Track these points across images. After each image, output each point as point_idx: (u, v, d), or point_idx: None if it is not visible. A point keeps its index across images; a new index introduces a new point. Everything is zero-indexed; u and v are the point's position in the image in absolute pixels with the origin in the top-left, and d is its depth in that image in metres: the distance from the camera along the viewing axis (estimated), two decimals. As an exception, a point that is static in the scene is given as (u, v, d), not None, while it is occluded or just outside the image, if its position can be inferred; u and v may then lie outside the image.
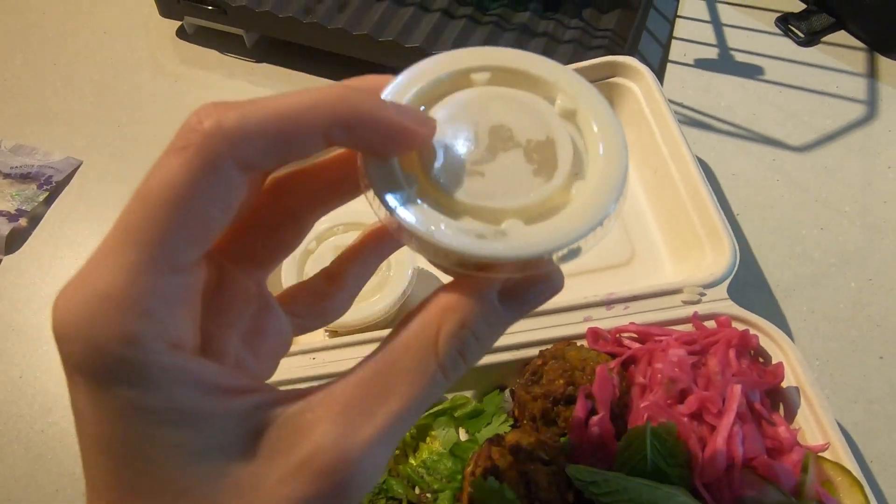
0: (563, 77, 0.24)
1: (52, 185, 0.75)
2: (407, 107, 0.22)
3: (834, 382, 0.56)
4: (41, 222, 0.73)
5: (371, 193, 0.22)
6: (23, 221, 0.72)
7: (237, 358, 0.24)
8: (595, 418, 0.44)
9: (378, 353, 0.21)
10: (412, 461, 0.49)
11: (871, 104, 0.75)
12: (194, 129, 0.19)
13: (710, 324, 0.51)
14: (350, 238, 0.43)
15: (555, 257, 0.22)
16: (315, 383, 0.49)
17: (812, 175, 0.70)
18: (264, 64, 0.86)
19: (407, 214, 0.21)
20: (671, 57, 0.81)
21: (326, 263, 0.29)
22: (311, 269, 0.58)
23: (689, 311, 0.51)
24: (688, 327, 0.51)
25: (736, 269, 0.52)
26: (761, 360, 0.50)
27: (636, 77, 0.65)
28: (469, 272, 0.21)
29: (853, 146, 0.71)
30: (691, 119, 0.75)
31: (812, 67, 0.79)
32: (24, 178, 0.76)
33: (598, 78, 0.67)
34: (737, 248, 0.53)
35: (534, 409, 0.47)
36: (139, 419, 0.19)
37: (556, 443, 0.45)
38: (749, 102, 0.76)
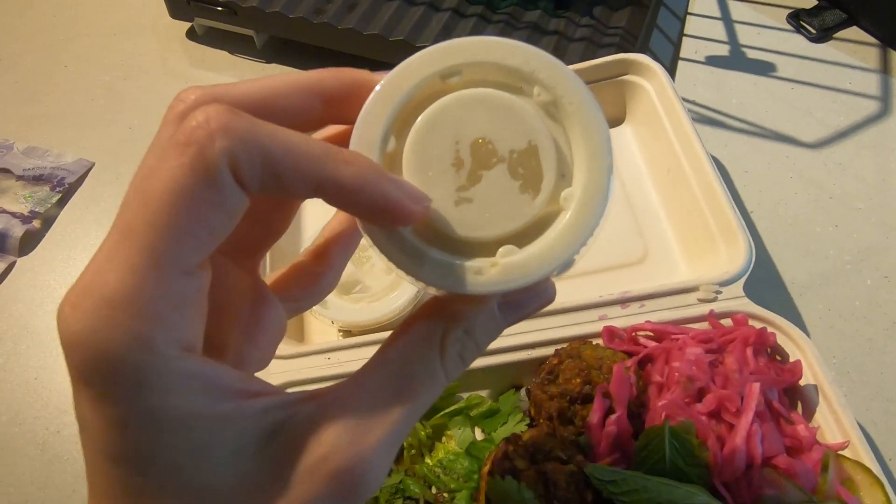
0: (540, 65, 0.23)
1: (65, 187, 0.75)
2: (408, 183, 0.22)
3: (850, 381, 0.56)
4: (54, 224, 0.74)
5: (368, 239, 0.22)
6: (36, 223, 0.72)
7: (238, 352, 0.24)
8: (612, 417, 0.44)
9: (385, 357, 0.22)
10: (428, 461, 0.48)
11: (885, 100, 0.74)
12: (200, 127, 0.18)
13: (726, 322, 0.51)
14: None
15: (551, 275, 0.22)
16: (330, 383, 0.49)
17: (825, 172, 0.69)
18: (274, 64, 0.86)
19: (403, 260, 0.22)
20: (682, 54, 0.81)
21: None
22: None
23: (704, 309, 0.51)
24: (703, 326, 0.51)
25: (752, 266, 0.52)
26: (778, 358, 0.49)
27: (649, 75, 0.65)
28: (468, 299, 0.23)
29: (867, 143, 0.71)
30: (703, 117, 0.75)
31: (824, 64, 0.79)
32: (37, 179, 0.76)
33: (610, 76, 0.66)
34: (752, 245, 0.53)
35: (550, 409, 0.47)
36: (152, 425, 0.18)
37: (574, 442, 0.45)
38: (761, 99, 0.76)
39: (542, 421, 0.48)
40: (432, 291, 0.23)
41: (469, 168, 0.23)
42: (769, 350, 0.49)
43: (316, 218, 0.65)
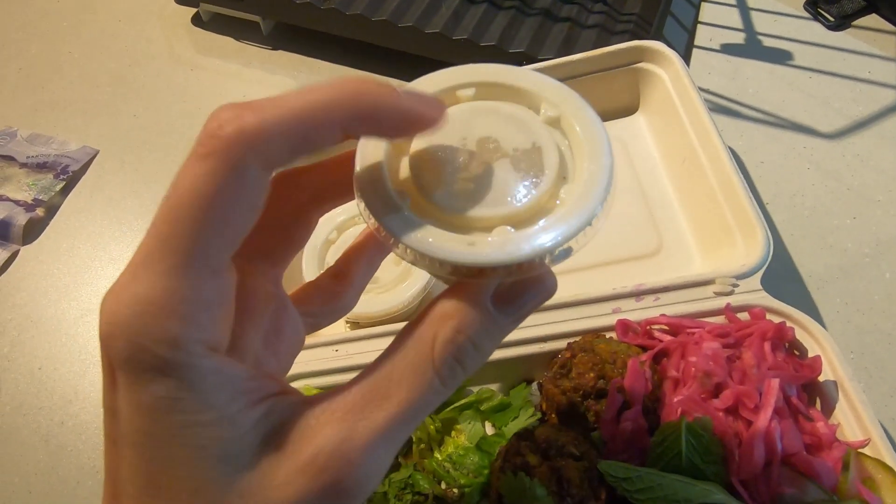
0: (546, 86, 0.25)
1: (69, 175, 0.74)
2: (418, 93, 0.23)
3: (869, 376, 0.55)
4: (58, 212, 0.73)
5: (365, 210, 0.23)
6: (40, 211, 0.72)
7: (257, 357, 0.25)
8: (627, 413, 0.43)
9: (379, 362, 0.22)
10: (437, 455, 0.48)
11: (905, 90, 0.73)
12: (216, 136, 0.19)
13: (743, 316, 0.49)
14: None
15: (546, 260, 0.22)
16: (338, 375, 0.49)
17: (843, 163, 0.68)
18: (281, 51, 0.84)
19: (399, 229, 0.22)
20: (697, 42, 0.79)
21: None
22: (333, 259, 0.57)
23: (721, 302, 0.50)
24: (720, 319, 0.50)
25: (769, 259, 0.51)
26: (797, 353, 0.48)
27: (664, 62, 0.64)
28: (464, 279, 0.22)
29: (886, 133, 0.69)
30: (718, 106, 0.73)
31: (843, 52, 0.77)
32: (41, 167, 0.75)
33: (624, 63, 0.65)
34: (770, 237, 0.51)
35: (563, 403, 0.46)
36: (172, 418, 0.20)
37: (587, 438, 0.44)
38: (778, 88, 0.74)
39: (553, 416, 0.47)
40: (424, 267, 0.23)
41: (473, 158, 0.24)
42: (787, 345, 0.48)
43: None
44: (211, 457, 0.20)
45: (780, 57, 0.78)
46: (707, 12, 0.83)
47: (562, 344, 0.50)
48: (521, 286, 0.23)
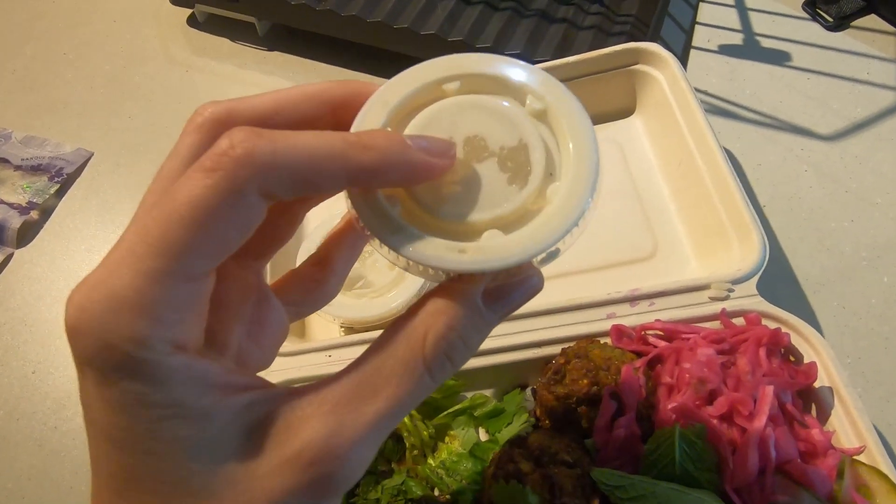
0: (532, 78, 0.25)
1: (64, 177, 0.74)
2: (430, 141, 0.23)
3: (866, 381, 0.54)
4: (52, 215, 0.73)
5: (356, 217, 0.23)
6: (34, 214, 0.71)
7: (240, 349, 0.25)
8: (621, 420, 0.43)
9: (368, 356, 0.23)
10: (431, 461, 0.47)
11: (904, 91, 0.72)
12: (226, 154, 0.19)
13: (739, 321, 0.49)
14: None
15: (534, 261, 0.23)
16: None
17: (842, 165, 0.67)
18: (276, 52, 0.84)
19: (390, 237, 0.22)
20: (694, 43, 0.79)
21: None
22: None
23: (716, 307, 0.49)
24: (715, 324, 0.49)
25: (765, 264, 0.50)
26: (792, 358, 0.48)
27: (660, 64, 0.63)
28: (454, 282, 0.23)
29: (885, 135, 0.69)
30: (715, 107, 0.73)
31: (841, 53, 0.76)
32: (35, 169, 0.75)
33: (621, 65, 0.64)
34: (766, 242, 0.51)
35: (556, 410, 0.46)
36: (143, 413, 0.20)
37: (580, 445, 0.44)
38: (776, 90, 0.74)
39: (547, 422, 0.47)
40: (416, 273, 0.23)
41: (461, 159, 0.24)
42: (782, 351, 0.48)
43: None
44: (189, 449, 0.20)
45: (779, 58, 0.77)
46: (705, 13, 0.82)
47: (556, 349, 0.49)
48: (509, 285, 0.24)
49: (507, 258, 0.22)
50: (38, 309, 0.67)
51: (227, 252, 0.21)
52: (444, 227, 0.23)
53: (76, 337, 0.20)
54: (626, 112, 0.67)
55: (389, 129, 0.24)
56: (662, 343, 0.48)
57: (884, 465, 0.41)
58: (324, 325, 0.59)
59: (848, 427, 0.44)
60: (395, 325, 0.23)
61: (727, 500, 0.40)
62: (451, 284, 0.23)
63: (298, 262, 0.55)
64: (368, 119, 0.24)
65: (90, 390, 0.20)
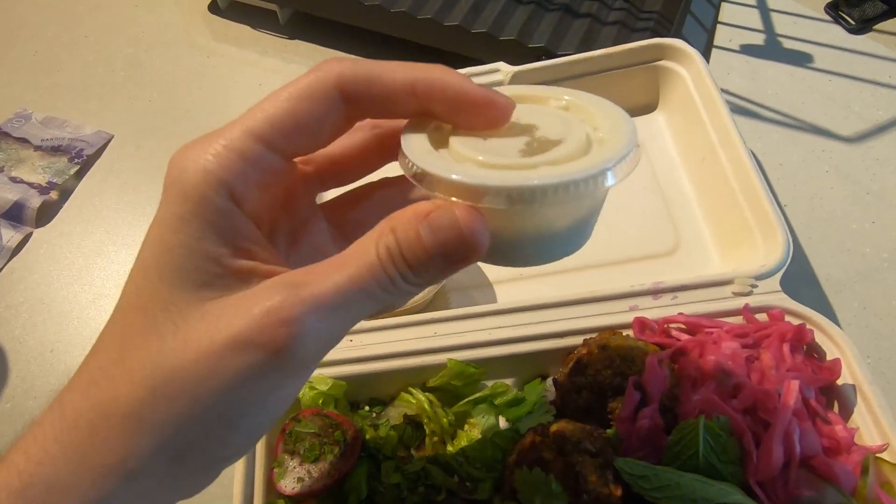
0: (616, 115, 0.27)
1: (84, 159, 0.74)
2: (491, 89, 0.27)
3: (886, 381, 0.54)
4: (72, 195, 0.73)
5: (401, 146, 0.27)
6: (54, 194, 0.71)
7: (278, 242, 0.29)
8: (645, 410, 0.43)
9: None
10: (450, 448, 0.47)
11: (926, 95, 0.72)
12: (317, 67, 0.26)
13: (761, 317, 0.49)
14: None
15: (499, 201, 0.24)
16: (353, 365, 0.48)
17: (863, 167, 0.67)
18: (297, 41, 0.84)
19: (415, 155, 0.26)
20: (716, 42, 0.79)
21: None
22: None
23: (739, 303, 0.49)
24: (737, 320, 0.49)
25: (789, 260, 0.50)
26: (815, 355, 0.48)
27: (685, 61, 0.63)
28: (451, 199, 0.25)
29: (907, 138, 0.69)
30: (737, 106, 0.73)
31: (863, 56, 0.76)
32: (56, 150, 0.75)
33: (645, 61, 0.64)
34: (790, 238, 0.51)
35: (578, 400, 0.46)
36: (173, 236, 0.24)
37: (603, 435, 0.44)
38: (797, 91, 0.74)
39: (569, 412, 0.47)
40: (435, 190, 0.25)
41: (506, 129, 0.27)
42: (805, 347, 0.48)
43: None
44: (188, 281, 0.24)
45: (800, 59, 0.77)
46: (727, 12, 0.82)
47: (578, 340, 0.49)
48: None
49: (468, 179, 0.24)
50: (56, 288, 0.67)
51: (306, 135, 0.26)
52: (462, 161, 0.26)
53: (173, 168, 0.25)
54: (649, 108, 0.67)
55: None
56: (685, 336, 0.48)
57: (908, 463, 0.41)
58: (343, 311, 0.59)
59: (871, 424, 0.44)
60: (379, 225, 0.26)
61: (750, 493, 0.40)
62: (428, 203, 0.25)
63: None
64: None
65: (161, 206, 0.25)
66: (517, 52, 0.70)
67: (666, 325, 0.49)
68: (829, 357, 0.47)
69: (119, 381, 0.24)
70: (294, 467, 0.45)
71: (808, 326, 0.47)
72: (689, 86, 0.62)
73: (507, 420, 0.49)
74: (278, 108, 0.25)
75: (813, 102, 0.73)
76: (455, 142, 0.27)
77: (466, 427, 0.49)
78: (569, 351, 0.49)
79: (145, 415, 0.23)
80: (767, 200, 0.52)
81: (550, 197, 0.23)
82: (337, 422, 0.46)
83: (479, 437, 0.47)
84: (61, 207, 0.72)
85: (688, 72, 0.63)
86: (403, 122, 0.28)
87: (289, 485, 0.44)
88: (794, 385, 0.42)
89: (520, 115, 0.27)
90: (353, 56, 0.24)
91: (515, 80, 0.63)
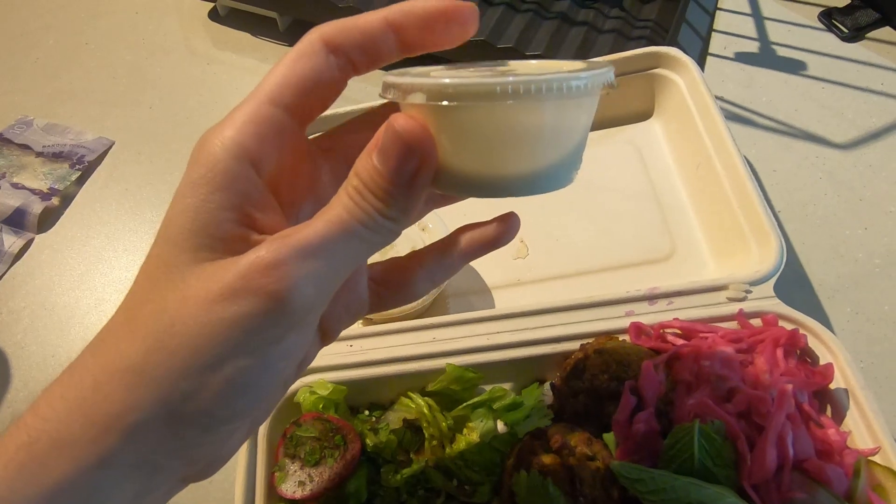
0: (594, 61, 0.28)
1: (85, 165, 0.75)
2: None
3: (879, 386, 0.55)
4: (73, 202, 0.73)
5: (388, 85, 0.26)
6: (55, 200, 0.72)
7: (291, 212, 0.30)
8: (640, 414, 0.44)
9: None
10: (449, 452, 0.48)
11: (918, 102, 0.73)
12: (307, 33, 0.27)
13: (756, 322, 0.50)
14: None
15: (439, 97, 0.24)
16: (354, 371, 0.49)
17: (856, 174, 0.68)
18: (297, 48, 0.85)
19: (391, 77, 0.26)
20: (711, 50, 0.80)
21: None
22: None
23: (733, 308, 0.50)
24: (732, 325, 0.50)
25: (783, 266, 0.51)
26: (808, 360, 0.49)
27: (680, 69, 0.64)
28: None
29: (899, 145, 0.70)
30: (732, 114, 0.74)
31: (856, 64, 0.77)
32: (57, 156, 0.75)
33: (641, 69, 0.65)
34: (784, 245, 0.52)
35: (575, 404, 0.47)
36: (188, 200, 0.25)
37: (599, 438, 0.44)
38: (791, 98, 0.75)
39: (566, 416, 0.47)
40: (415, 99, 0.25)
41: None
42: (799, 352, 0.49)
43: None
44: (189, 243, 0.25)
45: (794, 67, 0.78)
46: (721, 20, 0.83)
47: (574, 345, 0.50)
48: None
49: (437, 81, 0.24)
50: (58, 294, 0.67)
51: (304, 87, 0.27)
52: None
53: (198, 143, 0.26)
54: (644, 115, 0.68)
55: None
56: (680, 341, 0.49)
57: (898, 465, 0.42)
58: (343, 316, 0.59)
59: (863, 428, 0.45)
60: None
61: (744, 495, 0.41)
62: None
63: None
64: None
65: (185, 173, 0.26)
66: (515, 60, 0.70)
67: (661, 331, 0.50)
68: (822, 361, 0.48)
69: (123, 338, 0.25)
70: (295, 471, 0.45)
71: (802, 331, 0.48)
72: (684, 93, 0.63)
73: (506, 424, 0.49)
74: (280, 73, 0.27)
75: (806, 109, 0.74)
76: (433, 72, 0.27)
77: (465, 431, 0.49)
78: (566, 356, 0.50)
79: (145, 368, 0.24)
80: (761, 207, 0.53)
81: (515, 92, 0.23)
82: (337, 426, 0.47)
83: (478, 440, 0.48)
84: (63, 213, 0.72)
85: (683, 79, 0.64)
86: None
87: (290, 488, 0.45)
88: (788, 389, 0.43)
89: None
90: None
91: (513, 87, 0.64)
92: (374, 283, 0.32)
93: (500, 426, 0.49)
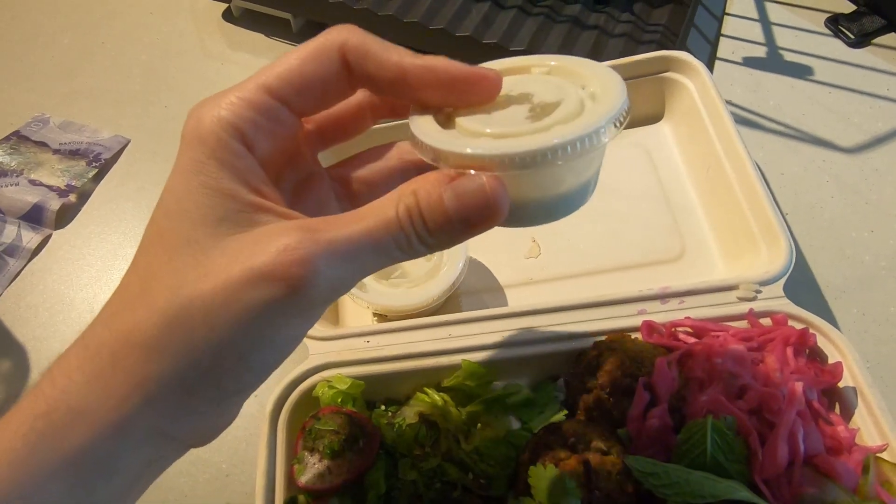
0: (599, 70, 0.30)
1: (102, 163, 0.76)
2: (476, 66, 0.30)
3: (885, 385, 0.56)
4: (90, 199, 0.74)
5: (411, 130, 0.29)
6: (72, 197, 0.73)
7: (284, 192, 0.31)
8: (654, 410, 0.45)
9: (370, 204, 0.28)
10: (465, 447, 0.49)
11: (924, 108, 0.74)
12: (332, 30, 0.29)
13: (765, 321, 0.51)
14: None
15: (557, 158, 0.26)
16: (371, 366, 0.50)
17: (862, 177, 0.69)
18: (310, 49, 0.86)
19: (429, 137, 0.27)
20: (719, 54, 0.81)
21: None
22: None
23: (744, 307, 0.51)
24: (742, 324, 0.51)
25: (792, 267, 0.52)
26: (818, 359, 0.49)
27: (690, 72, 0.65)
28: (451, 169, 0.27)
29: (905, 150, 0.71)
30: (739, 117, 0.75)
31: (863, 69, 0.78)
32: (74, 154, 0.76)
33: (651, 72, 0.66)
34: (793, 246, 0.53)
35: (589, 400, 0.47)
36: (194, 178, 0.26)
37: (613, 433, 0.45)
38: (798, 102, 0.76)
39: (580, 412, 0.48)
40: (450, 164, 0.27)
41: (503, 100, 0.29)
42: (808, 351, 0.49)
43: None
44: (208, 218, 0.26)
45: (801, 71, 0.79)
46: (730, 26, 0.84)
47: (587, 342, 0.51)
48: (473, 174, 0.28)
49: (476, 149, 0.26)
50: (75, 289, 0.68)
51: (307, 88, 0.28)
52: (469, 136, 0.28)
53: (191, 118, 0.28)
54: (654, 118, 0.69)
55: None
56: (692, 339, 0.50)
57: (906, 462, 0.43)
58: (357, 312, 0.60)
59: (871, 426, 0.45)
60: (398, 189, 0.28)
61: (756, 490, 0.42)
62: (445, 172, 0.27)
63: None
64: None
65: (180, 154, 0.27)
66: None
67: (673, 329, 0.51)
68: (830, 360, 0.49)
69: (140, 310, 0.25)
70: (314, 463, 0.46)
71: (811, 331, 0.49)
72: (694, 97, 0.64)
73: (520, 419, 0.50)
74: (287, 67, 0.28)
75: (813, 114, 0.75)
76: (461, 121, 0.29)
77: (480, 426, 0.50)
78: (579, 353, 0.51)
79: (163, 341, 0.25)
80: (771, 209, 0.54)
81: (569, 153, 0.25)
82: (355, 420, 0.48)
83: (493, 435, 0.49)
84: (80, 210, 0.73)
85: (693, 83, 0.65)
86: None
87: (309, 481, 0.46)
88: (798, 387, 0.44)
89: (511, 86, 0.30)
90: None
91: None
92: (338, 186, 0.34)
93: (515, 422, 0.50)
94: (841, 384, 0.48)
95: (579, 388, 0.48)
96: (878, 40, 0.81)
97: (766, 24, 0.84)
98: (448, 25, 0.74)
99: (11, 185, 0.73)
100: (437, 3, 0.76)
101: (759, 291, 0.52)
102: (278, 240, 0.25)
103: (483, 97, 0.29)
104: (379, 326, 0.53)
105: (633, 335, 0.51)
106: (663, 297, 0.52)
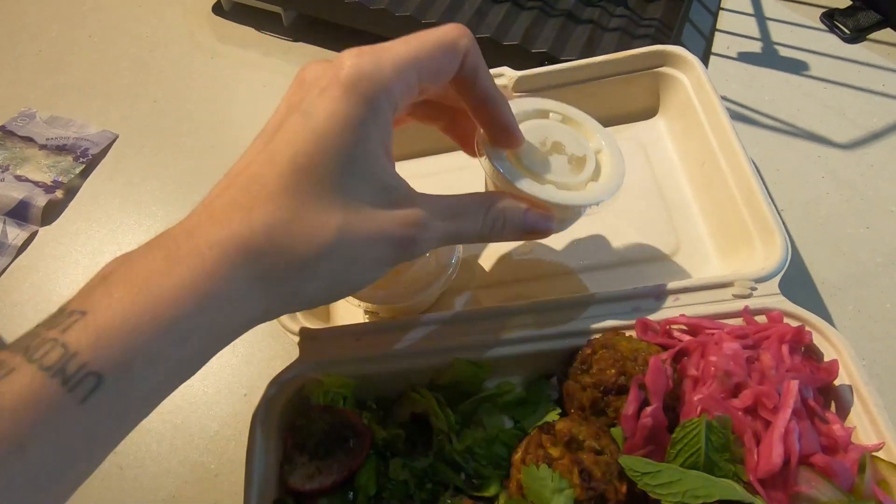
0: (599, 129, 0.49)
1: (89, 158, 0.75)
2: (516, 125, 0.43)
3: (880, 383, 0.56)
4: (77, 194, 0.73)
5: (485, 160, 0.43)
6: (59, 193, 0.72)
7: None
8: (648, 409, 0.44)
9: (459, 197, 0.40)
10: (457, 446, 0.48)
11: (919, 103, 0.74)
12: (463, 32, 0.36)
13: (760, 319, 0.50)
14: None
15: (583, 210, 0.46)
16: (361, 364, 0.49)
17: (858, 173, 0.69)
18: (301, 43, 0.85)
19: (506, 171, 0.43)
20: (714, 49, 0.80)
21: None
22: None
23: (739, 305, 0.51)
24: (737, 321, 0.50)
25: (788, 264, 0.51)
26: (813, 357, 0.49)
27: (685, 67, 0.64)
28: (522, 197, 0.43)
29: (901, 145, 0.70)
30: (735, 113, 0.74)
31: (858, 65, 0.78)
32: (61, 149, 0.75)
33: (646, 67, 0.66)
34: (789, 242, 0.52)
35: (582, 399, 0.47)
36: (347, 136, 0.31)
37: (607, 433, 0.45)
38: (793, 98, 0.75)
39: (573, 411, 0.48)
40: (500, 185, 0.43)
41: (548, 150, 0.45)
42: (803, 348, 0.49)
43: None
44: (354, 162, 0.31)
45: (797, 67, 0.79)
46: (724, 20, 0.84)
47: (581, 341, 0.50)
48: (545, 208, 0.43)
49: (551, 198, 0.43)
50: (62, 286, 0.67)
51: (433, 79, 0.34)
52: (530, 177, 0.43)
53: (349, 71, 0.31)
54: (649, 113, 0.68)
55: None
56: (687, 337, 0.49)
57: (902, 461, 0.42)
58: (349, 310, 0.60)
59: (867, 424, 0.45)
60: (486, 195, 0.41)
61: (751, 489, 0.41)
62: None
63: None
64: None
65: (324, 101, 0.31)
66: (520, 57, 0.71)
67: (668, 327, 0.50)
68: (826, 358, 0.48)
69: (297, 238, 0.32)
70: (304, 463, 0.45)
71: (807, 328, 0.48)
72: (689, 92, 0.64)
73: (513, 418, 0.49)
74: (431, 55, 0.33)
75: (809, 109, 0.74)
76: (515, 156, 0.43)
77: (472, 425, 0.50)
78: (573, 351, 0.50)
79: (273, 270, 0.31)
80: (766, 205, 0.54)
81: (598, 206, 0.45)
82: (346, 419, 0.47)
83: (485, 435, 0.48)
84: (66, 206, 0.72)
85: (688, 78, 0.64)
86: None
87: (299, 481, 0.45)
88: (794, 385, 0.43)
89: (544, 132, 0.45)
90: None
91: (519, 84, 0.64)
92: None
93: (508, 421, 0.50)
94: (837, 382, 0.47)
95: (574, 386, 0.48)
96: (873, 35, 0.81)
97: (761, 19, 0.84)
98: (440, 19, 0.73)
99: (-3, 180, 0.72)
100: (429, -3, 0.75)
101: (754, 288, 0.51)
102: (413, 210, 0.34)
103: (506, 144, 0.42)
104: (370, 324, 0.53)
105: (628, 333, 0.50)
106: (657, 294, 0.52)
